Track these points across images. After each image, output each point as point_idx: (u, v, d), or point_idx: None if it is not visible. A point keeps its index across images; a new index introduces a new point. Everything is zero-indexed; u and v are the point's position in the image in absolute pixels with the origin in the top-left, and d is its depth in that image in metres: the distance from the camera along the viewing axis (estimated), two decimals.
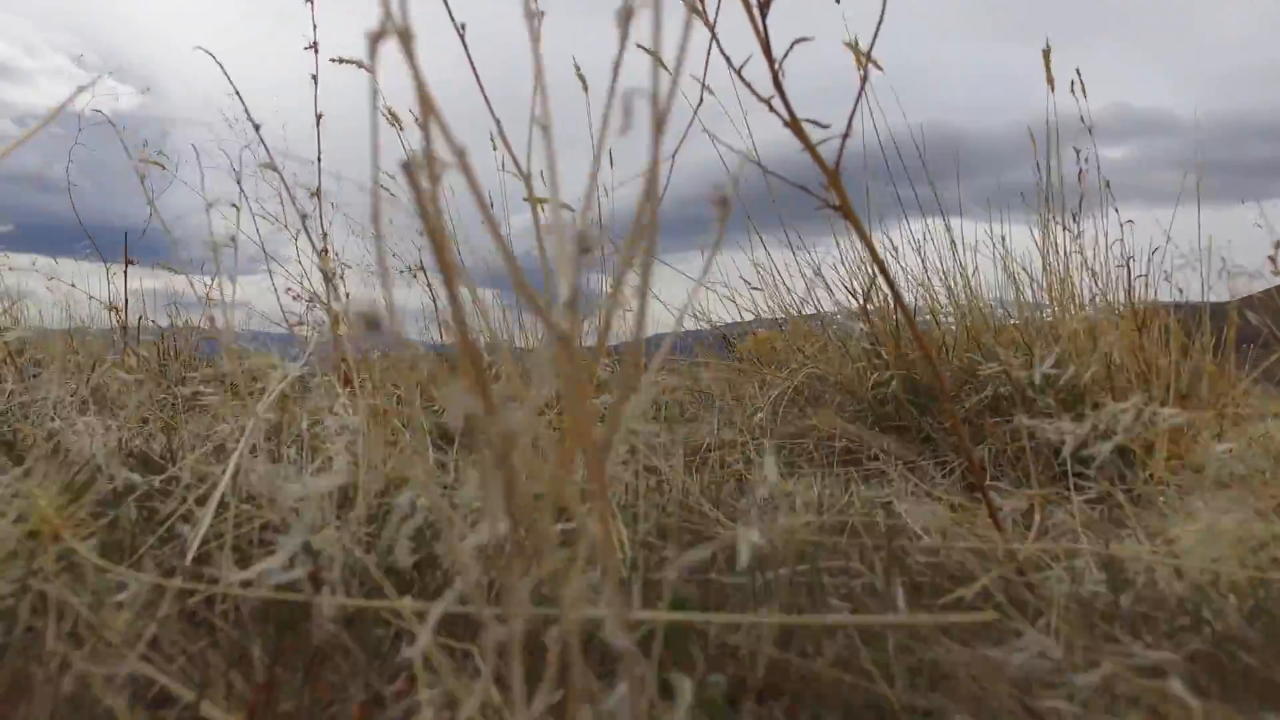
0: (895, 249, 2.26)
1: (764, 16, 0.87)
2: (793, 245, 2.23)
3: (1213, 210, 1.88)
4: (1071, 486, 1.17)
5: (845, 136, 0.89)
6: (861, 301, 2.07)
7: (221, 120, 2.88)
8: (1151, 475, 1.29)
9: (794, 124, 0.89)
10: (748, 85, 0.91)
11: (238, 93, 1.41)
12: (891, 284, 0.90)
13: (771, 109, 0.92)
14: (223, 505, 0.91)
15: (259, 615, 0.74)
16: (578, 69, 2.23)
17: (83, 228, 2.89)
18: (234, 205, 1.93)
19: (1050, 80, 1.75)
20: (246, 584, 0.76)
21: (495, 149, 2.79)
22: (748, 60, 0.92)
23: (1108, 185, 1.74)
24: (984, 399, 1.92)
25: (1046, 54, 1.80)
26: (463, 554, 0.46)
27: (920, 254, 2.13)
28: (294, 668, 0.64)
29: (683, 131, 1.89)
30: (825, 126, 0.89)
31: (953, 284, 2.07)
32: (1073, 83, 1.77)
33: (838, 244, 2.13)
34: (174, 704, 0.64)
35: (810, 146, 0.89)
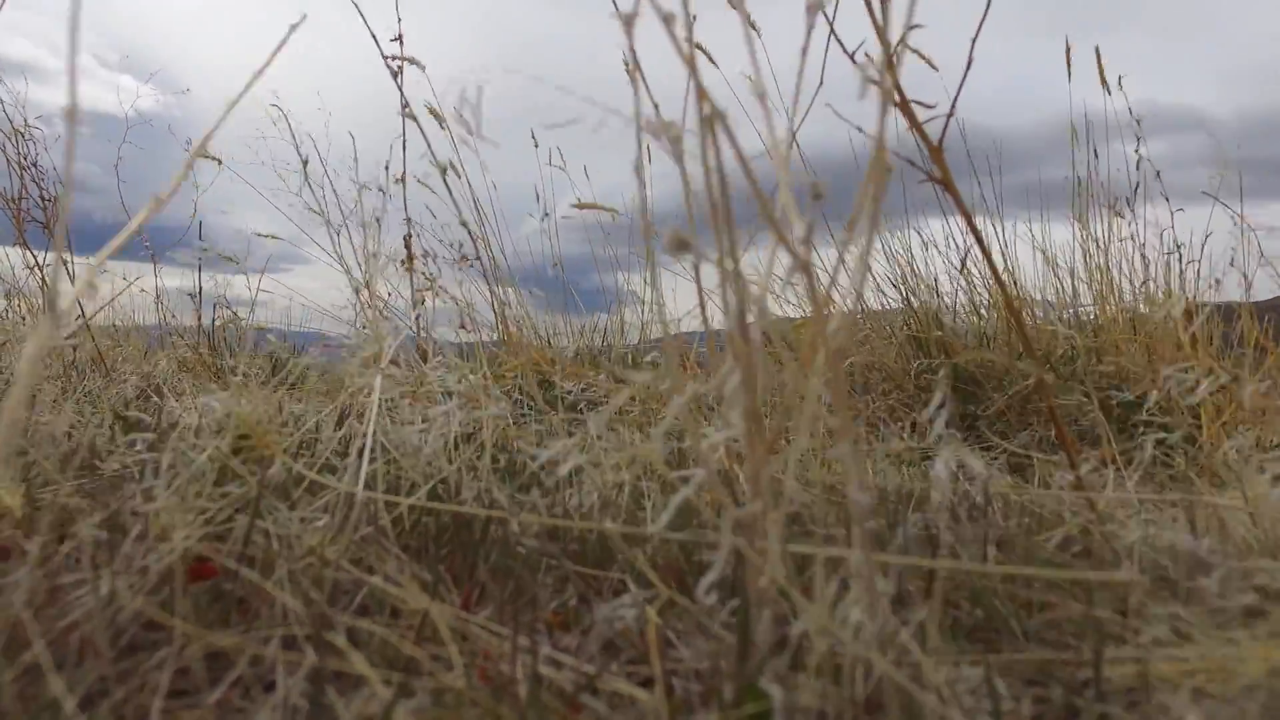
0: (927, 245, 2.35)
1: (884, 5, 0.94)
2: (834, 239, 2.31)
3: (1245, 208, 1.95)
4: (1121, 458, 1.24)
5: (950, 116, 0.97)
6: (904, 293, 2.14)
7: (263, 118, 2.93)
8: (1200, 449, 1.36)
9: (904, 105, 0.97)
10: (859, 68, 0.99)
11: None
12: (988, 257, 0.98)
13: (879, 88, 0.99)
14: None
15: (439, 533, 0.81)
16: (625, 64, 2.30)
17: (144, 239, 2.96)
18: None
19: (1104, 80, 1.83)
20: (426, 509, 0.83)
21: (537, 145, 2.88)
22: (860, 45, 1.00)
23: (1158, 174, 1.81)
24: (1025, 388, 2.00)
25: (1099, 53, 1.88)
26: (704, 448, 0.54)
27: (960, 248, 2.20)
28: (503, 573, 0.71)
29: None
30: (931, 107, 0.97)
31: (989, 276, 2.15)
32: (1119, 78, 1.85)
33: (883, 239, 2.21)
34: (379, 611, 0.71)
35: (917, 124, 0.97)
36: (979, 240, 0.98)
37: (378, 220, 1.32)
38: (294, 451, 1.02)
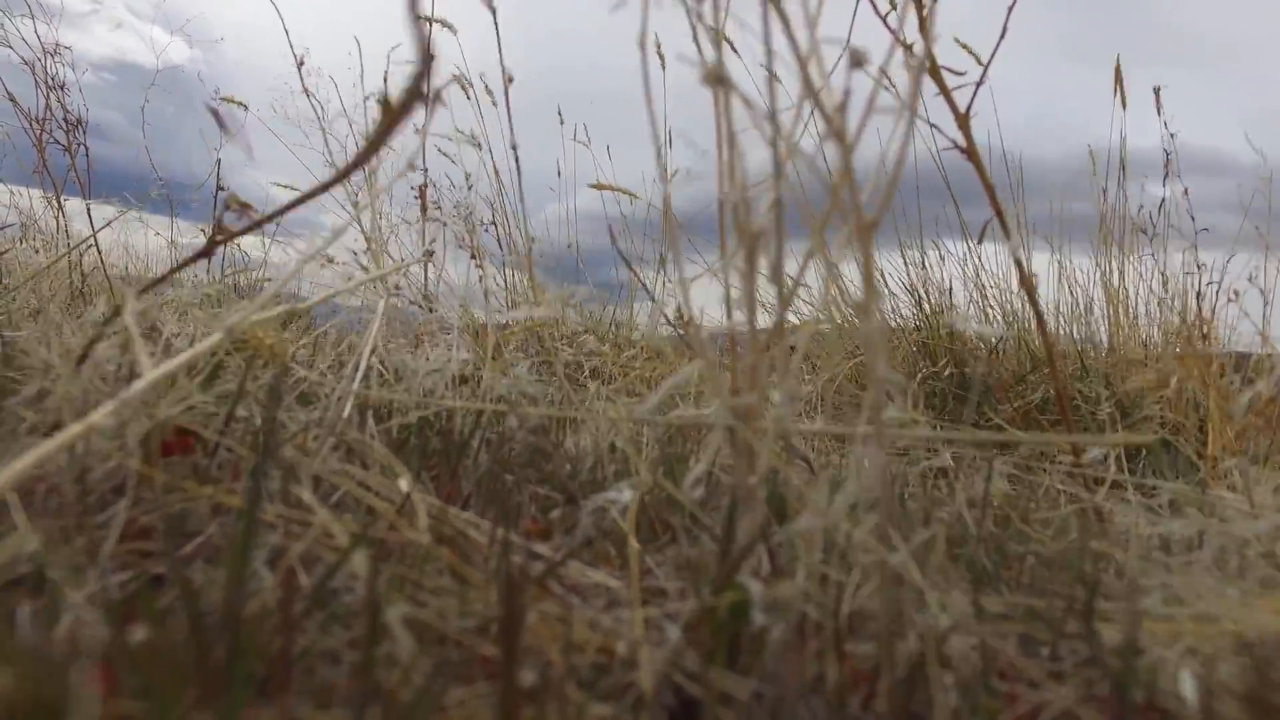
0: (943, 258, 2.33)
1: None
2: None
3: (1270, 258, 1.92)
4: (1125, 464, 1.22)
5: (979, 83, 0.96)
6: (916, 300, 2.13)
7: (289, 73, 2.90)
8: (1207, 460, 1.34)
9: (933, 70, 0.96)
10: (891, 32, 0.98)
11: None
12: (1021, 266, 0.96)
13: (911, 53, 0.99)
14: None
15: (428, 456, 0.80)
16: (658, 47, 2.30)
17: (160, 180, 2.96)
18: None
19: (1124, 99, 1.82)
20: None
21: (563, 123, 2.88)
22: (891, 10, 0.99)
23: (1193, 218, 1.79)
24: (1032, 401, 1.98)
25: (1118, 78, 1.87)
26: (700, 336, 0.52)
27: (976, 262, 2.19)
28: (489, 483, 0.69)
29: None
30: (961, 74, 0.96)
31: (1002, 289, 2.13)
32: (1160, 113, 1.83)
33: (901, 246, 2.19)
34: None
35: (946, 91, 0.96)
36: (999, 214, 0.96)
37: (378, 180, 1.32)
38: (290, 357, 1.01)
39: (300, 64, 1.68)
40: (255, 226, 0.64)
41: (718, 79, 0.41)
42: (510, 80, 2.05)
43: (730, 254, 0.49)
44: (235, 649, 0.37)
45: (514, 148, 1.78)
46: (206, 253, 0.61)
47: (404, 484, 0.58)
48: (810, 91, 0.42)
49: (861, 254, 0.42)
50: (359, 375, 0.80)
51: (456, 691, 0.42)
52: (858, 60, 0.45)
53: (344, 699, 0.40)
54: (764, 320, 0.54)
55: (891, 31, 1.00)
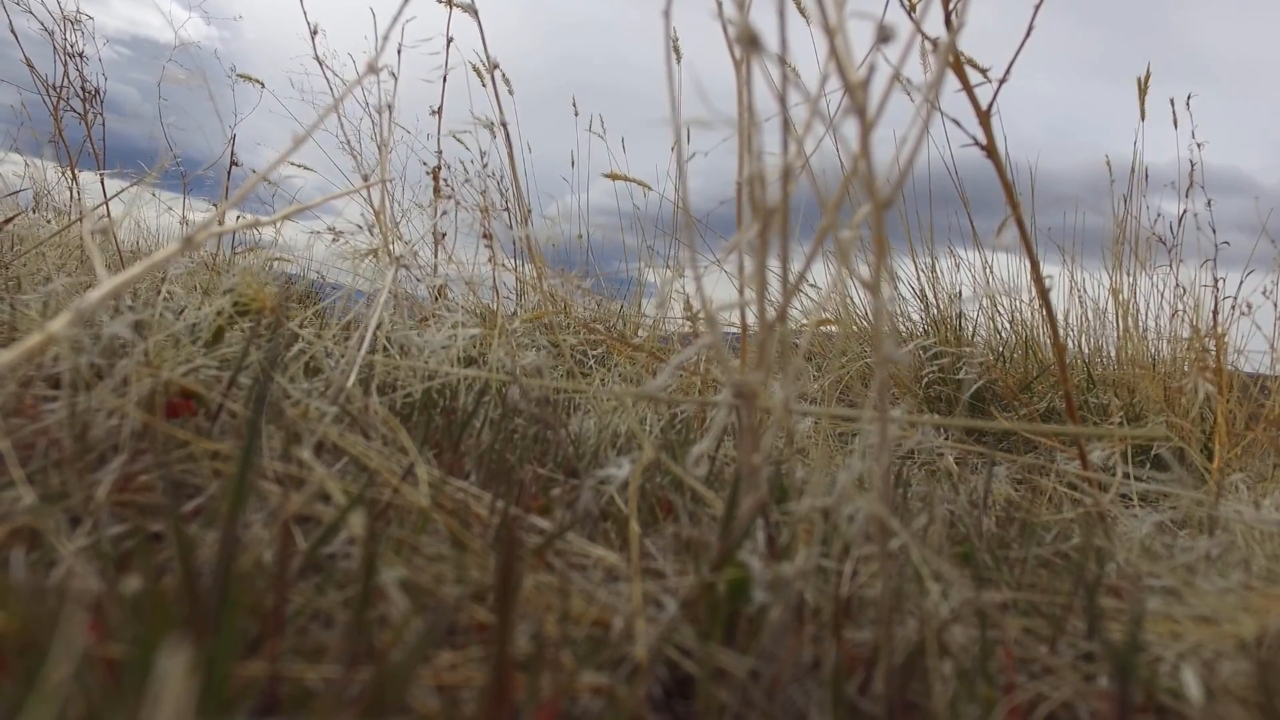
0: (957, 264, 2.32)
1: None
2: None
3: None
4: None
5: (1003, 81, 0.95)
6: (925, 305, 2.12)
7: (306, 55, 2.88)
8: (1213, 473, 1.33)
9: (956, 65, 0.95)
10: (917, 26, 0.97)
11: None
12: (1035, 262, 0.95)
13: (935, 48, 0.98)
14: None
15: (430, 434, 0.79)
16: (676, 41, 2.29)
17: (175, 155, 2.95)
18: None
19: (1143, 111, 1.80)
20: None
21: (577, 114, 2.87)
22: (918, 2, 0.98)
23: (1214, 230, 1.78)
24: (1038, 410, 1.97)
25: (1142, 89, 1.85)
26: (712, 310, 0.52)
27: (986, 271, 2.18)
28: (492, 461, 0.69)
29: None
30: (985, 70, 0.95)
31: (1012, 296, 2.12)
32: (1192, 131, 1.82)
33: (912, 254, 2.18)
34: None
35: (968, 86, 0.95)
36: (1015, 210, 0.95)
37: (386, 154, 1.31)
38: (299, 324, 1.01)
39: (314, 33, 1.67)
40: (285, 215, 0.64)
41: (750, 39, 0.40)
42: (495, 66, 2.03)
43: (744, 230, 0.48)
44: (226, 600, 0.37)
45: (503, 125, 1.77)
46: None
47: (407, 445, 0.58)
48: (835, 61, 0.41)
49: (874, 231, 0.42)
50: (365, 345, 0.80)
51: (449, 655, 0.41)
52: (884, 35, 0.44)
53: (335, 657, 0.39)
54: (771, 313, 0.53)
55: (915, 24, 0.99)
